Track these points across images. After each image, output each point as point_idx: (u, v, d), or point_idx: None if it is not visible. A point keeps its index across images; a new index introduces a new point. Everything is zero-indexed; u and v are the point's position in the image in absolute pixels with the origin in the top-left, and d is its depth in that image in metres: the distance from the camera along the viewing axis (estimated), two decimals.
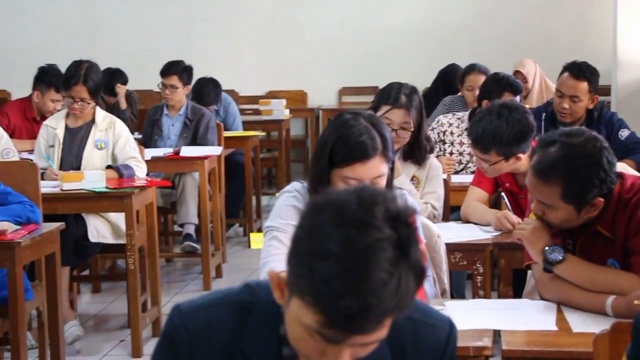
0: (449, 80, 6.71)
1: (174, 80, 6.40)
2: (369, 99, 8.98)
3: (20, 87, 9.48)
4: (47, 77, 6.18)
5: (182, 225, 6.29)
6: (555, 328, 2.57)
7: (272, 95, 9.31)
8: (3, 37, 9.72)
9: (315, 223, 1.55)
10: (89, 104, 5.08)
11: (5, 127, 5.96)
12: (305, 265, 1.53)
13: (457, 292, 4.85)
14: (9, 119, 6.41)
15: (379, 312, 1.51)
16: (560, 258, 2.71)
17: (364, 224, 1.52)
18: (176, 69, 6.42)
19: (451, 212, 4.42)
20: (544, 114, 5.08)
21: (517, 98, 4.89)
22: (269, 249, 2.75)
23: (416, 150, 3.97)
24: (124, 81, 7.73)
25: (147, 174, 5.21)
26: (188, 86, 6.49)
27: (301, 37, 9.78)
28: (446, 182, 4.23)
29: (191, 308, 1.76)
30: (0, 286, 4.03)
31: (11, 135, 5.92)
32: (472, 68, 6.00)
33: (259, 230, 7.47)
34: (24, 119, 6.40)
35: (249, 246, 7.27)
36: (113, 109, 7.21)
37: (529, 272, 3.03)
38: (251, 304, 1.74)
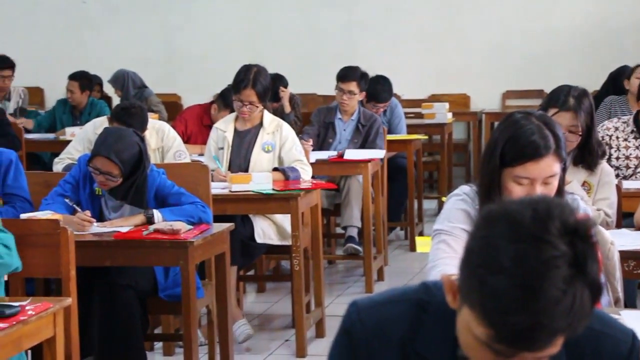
0: (620, 84, 6.51)
1: (353, 86, 6.45)
2: (534, 102, 8.90)
3: (190, 92, 9.83)
4: (227, 98, 6.28)
5: (345, 228, 6.34)
6: None
7: (435, 98, 9.27)
8: (172, 43, 10.06)
9: (488, 235, 1.53)
10: (257, 107, 5.19)
11: (181, 132, 6.17)
12: (476, 278, 1.51)
13: (627, 301, 4.70)
14: (187, 125, 6.63)
15: (550, 330, 1.48)
16: None
17: (538, 240, 1.48)
18: (355, 75, 6.47)
19: (623, 218, 4.29)
20: None
21: None
22: (437, 252, 2.74)
23: (587, 155, 3.87)
24: (285, 85, 7.86)
25: (312, 177, 5.28)
26: (363, 92, 6.53)
27: (464, 40, 9.71)
28: (618, 188, 4.11)
29: (368, 304, 1.77)
30: (173, 284, 4.18)
31: (187, 141, 6.13)
32: None
33: (421, 234, 7.46)
34: (201, 126, 6.61)
35: (411, 249, 7.26)
36: (276, 113, 7.33)
37: None
38: (427, 303, 1.73)
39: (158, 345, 4.95)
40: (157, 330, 4.77)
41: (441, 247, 2.73)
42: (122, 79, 8.32)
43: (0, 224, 3.04)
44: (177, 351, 4.90)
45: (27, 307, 2.74)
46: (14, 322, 2.64)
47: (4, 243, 2.99)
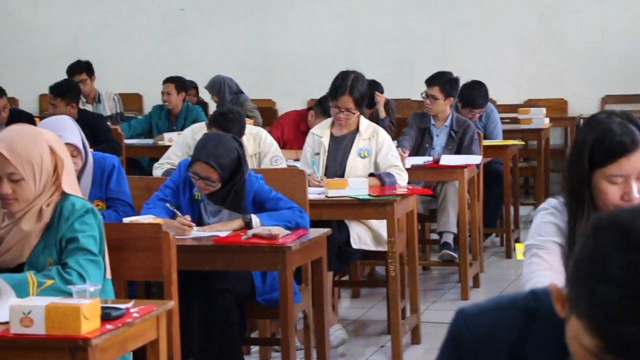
0: None
1: (435, 90, 6.42)
2: (635, 107, 8.71)
3: (284, 97, 9.91)
4: (325, 105, 6.29)
5: (440, 234, 6.30)
6: None
7: (531, 103, 9.16)
8: (268, 49, 10.14)
9: (598, 244, 1.50)
10: (353, 113, 5.20)
11: (277, 138, 6.21)
12: (585, 287, 1.49)
13: None
14: (283, 130, 6.69)
15: None
16: None
17: None
18: (439, 80, 6.43)
19: None
20: None
21: None
22: (530, 266, 2.73)
23: None
24: (381, 91, 7.86)
25: (408, 182, 5.26)
26: (450, 98, 6.47)
27: (561, 43, 9.56)
28: None
29: (476, 311, 1.76)
30: (270, 288, 4.21)
31: (283, 147, 6.17)
32: None
33: (517, 241, 7.36)
34: (297, 132, 6.65)
35: (507, 256, 7.18)
36: (371, 119, 7.33)
37: None
38: (536, 310, 1.71)
39: (254, 349, 4.99)
40: (254, 335, 4.81)
41: (534, 261, 2.72)
42: (218, 85, 8.43)
43: (91, 243, 3.08)
44: (274, 355, 4.94)
45: (131, 310, 2.80)
46: (120, 324, 2.69)
47: (81, 272, 3.03)
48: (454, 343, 1.77)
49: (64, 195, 3.11)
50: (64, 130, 3.96)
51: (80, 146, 4.04)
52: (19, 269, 3.05)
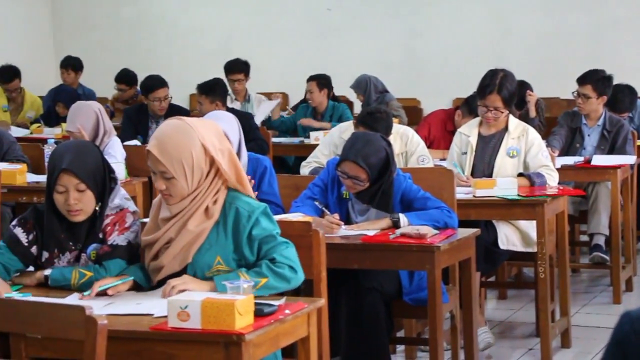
0: None
1: (588, 89, 6.25)
2: None
3: (430, 96, 9.85)
4: (472, 104, 6.21)
5: (591, 236, 6.15)
6: None
7: None
8: (414, 48, 10.09)
9: None
10: (502, 112, 5.12)
11: (424, 137, 6.18)
12: None
13: None
14: (430, 129, 6.67)
15: None
16: None
17: None
18: (591, 78, 6.27)
19: None
20: None
21: None
22: None
23: None
24: (531, 90, 7.72)
25: (559, 183, 5.15)
26: (604, 97, 6.29)
27: None
28: None
29: None
30: (417, 288, 4.20)
31: (430, 146, 6.15)
32: None
33: None
34: (444, 131, 6.62)
35: None
36: (520, 118, 7.21)
37: None
38: None
39: (400, 348, 4.99)
40: (399, 334, 4.80)
41: None
42: (364, 84, 8.46)
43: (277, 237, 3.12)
44: (419, 355, 4.93)
45: (283, 307, 2.84)
46: (272, 321, 2.73)
47: (291, 264, 3.08)
48: (619, 348, 1.72)
49: (232, 192, 3.13)
50: (220, 120, 4.05)
51: (234, 142, 4.11)
52: (183, 270, 3.10)
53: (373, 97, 8.43)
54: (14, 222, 3.27)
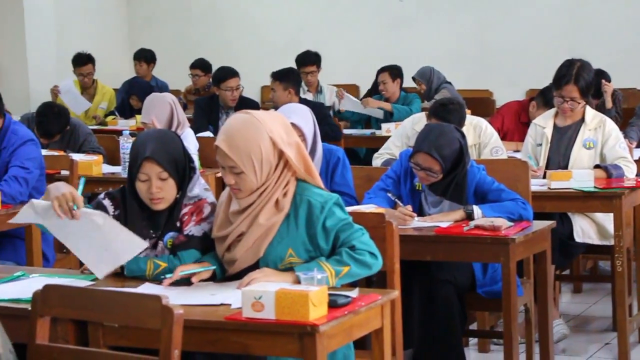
0: None
1: None
2: None
3: (502, 88, 9.75)
4: (547, 96, 6.11)
5: None
6: None
7: None
8: (486, 39, 9.98)
9: None
10: (578, 103, 5.04)
11: (498, 128, 6.11)
12: None
13: None
14: (504, 121, 6.59)
15: None
16: None
17: None
18: None
19: None
20: None
21: None
22: None
23: None
24: (608, 79, 7.58)
25: (637, 174, 5.05)
26: None
27: None
28: None
29: None
30: (491, 280, 4.15)
31: (503, 138, 6.07)
32: None
33: None
34: (518, 123, 6.53)
35: None
36: (597, 109, 7.09)
37: None
38: None
39: (473, 341, 4.95)
40: (472, 327, 4.76)
41: None
42: (428, 73, 8.42)
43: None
44: (493, 348, 4.88)
45: (357, 298, 2.83)
46: (346, 312, 2.73)
47: (370, 250, 3.08)
48: None
49: (301, 183, 3.12)
50: (294, 113, 4.05)
51: (309, 134, 4.10)
52: (255, 263, 3.11)
53: (434, 86, 8.37)
54: (101, 196, 3.29)
